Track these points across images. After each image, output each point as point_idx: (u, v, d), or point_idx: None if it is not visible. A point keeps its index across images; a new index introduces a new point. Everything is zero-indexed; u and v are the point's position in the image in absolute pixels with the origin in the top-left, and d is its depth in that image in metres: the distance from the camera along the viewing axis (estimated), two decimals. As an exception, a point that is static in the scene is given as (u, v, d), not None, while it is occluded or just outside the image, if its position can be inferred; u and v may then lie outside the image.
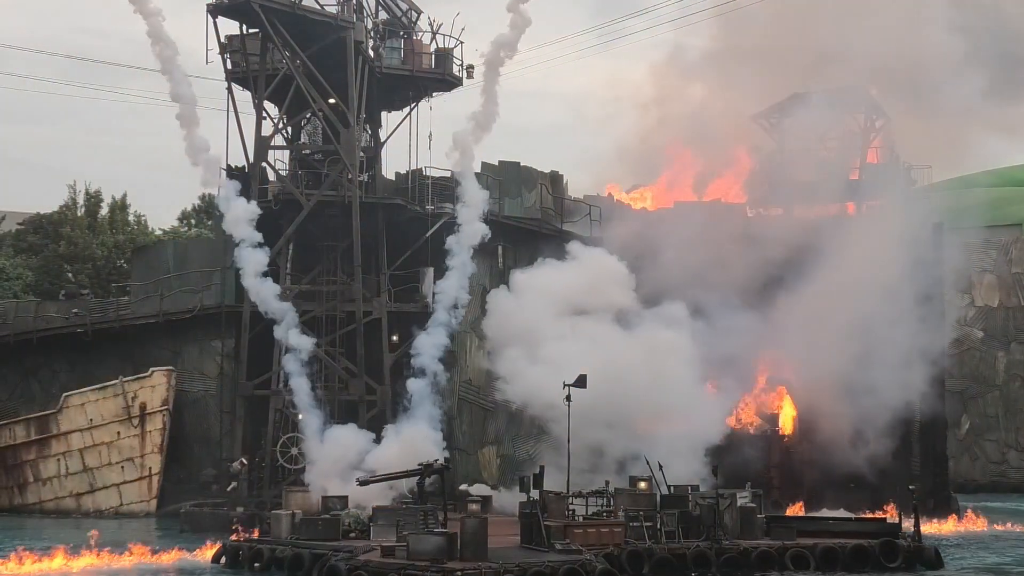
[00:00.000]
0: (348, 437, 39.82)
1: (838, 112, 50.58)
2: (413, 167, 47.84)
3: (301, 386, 41.27)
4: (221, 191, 43.97)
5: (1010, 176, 72.50)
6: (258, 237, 42.12)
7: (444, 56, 47.86)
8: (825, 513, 37.70)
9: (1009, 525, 41.15)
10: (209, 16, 44.83)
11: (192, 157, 43.05)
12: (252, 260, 41.97)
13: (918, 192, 48.13)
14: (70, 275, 62.52)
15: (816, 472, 42.64)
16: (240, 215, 42.35)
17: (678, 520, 30.92)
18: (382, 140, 49.89)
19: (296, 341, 41.53)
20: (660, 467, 32.40)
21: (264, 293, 41.88)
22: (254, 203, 42.80)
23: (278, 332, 42.18)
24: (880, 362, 41.17)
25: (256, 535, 33.67)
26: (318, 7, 45.76)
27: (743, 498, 32.44)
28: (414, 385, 41.91)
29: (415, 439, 38.93)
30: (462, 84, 48.54)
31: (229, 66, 46.27)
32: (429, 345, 42.48)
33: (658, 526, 30.69)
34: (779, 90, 49.01)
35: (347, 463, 37.79)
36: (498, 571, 25.49)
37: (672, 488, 32.48)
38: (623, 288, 42.20)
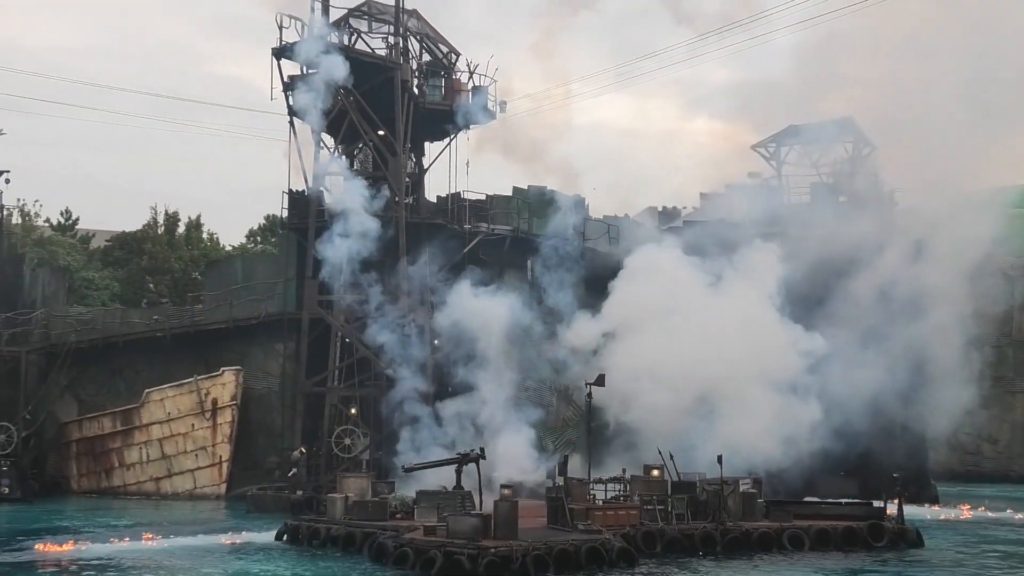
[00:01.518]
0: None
1: (829, 141, 50.48)
2: (452, 191, 47.97)
3: (413, 381, 40.68)
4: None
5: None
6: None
7: (480, 93, 47.98)
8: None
9: (982, 510, 40.86)
10: (273, 59, 45.21)
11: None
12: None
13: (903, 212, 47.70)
14: (151, 286, 62.83)
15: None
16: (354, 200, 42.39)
17: (687, 504, 30.76)
18: (425, 167, 50.06)
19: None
20: (671, 457, 32.25)
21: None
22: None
23: (373, 331, 41.96)
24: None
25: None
26: (369, 51, 46.05)
27: (745, 485, 32.30)
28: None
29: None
30: (496, 118, 48.62)
31: (291, 102, 46.53)
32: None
33: (669, 509, 30.55)
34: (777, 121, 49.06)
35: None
36: (527, 549, 25.41)
37: (682, 475, 32.32)
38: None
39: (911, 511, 33.53)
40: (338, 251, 41.65)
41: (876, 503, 32.15)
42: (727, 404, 37.08)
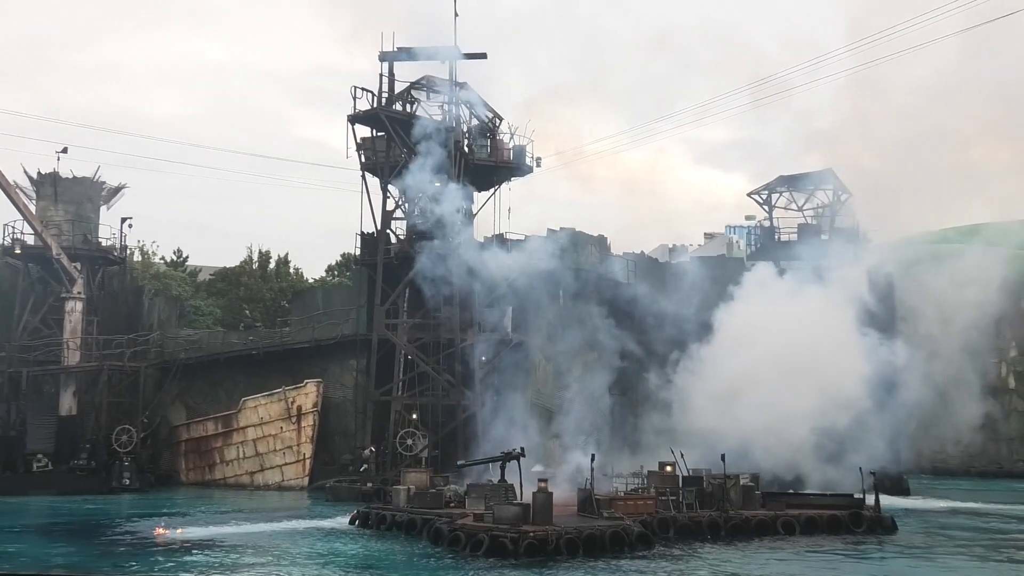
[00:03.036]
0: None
1: (813, 190, 50.03)
2: (496, 232, 48.00)
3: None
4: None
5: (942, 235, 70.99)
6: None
7: (520, 151, 48.03)
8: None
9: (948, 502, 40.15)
10: (349, 124, 45.55)
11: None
12: None
13: (875, 248, 47.14)
14: (247, 312, 63.08)
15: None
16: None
17: (696, 495, 30.49)
18: (474, 212, 50.07)
19: None
20: (682, 455, 31.92)
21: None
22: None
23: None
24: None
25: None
26: (427, 116, 46.25)
27: (744, 479, 31.92)
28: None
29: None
30: (532, 172, 48.66)
31: (363, 159, 46.84)
32: None
33: (680, 500, 30.31)
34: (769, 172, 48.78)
35: None
36: (560, 533, 25.23)
37: (691, 471, 31.98)
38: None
39: (886, 501, 32.96)
40: (442, 264, 40.84)
41: (856, 495, 31.68)
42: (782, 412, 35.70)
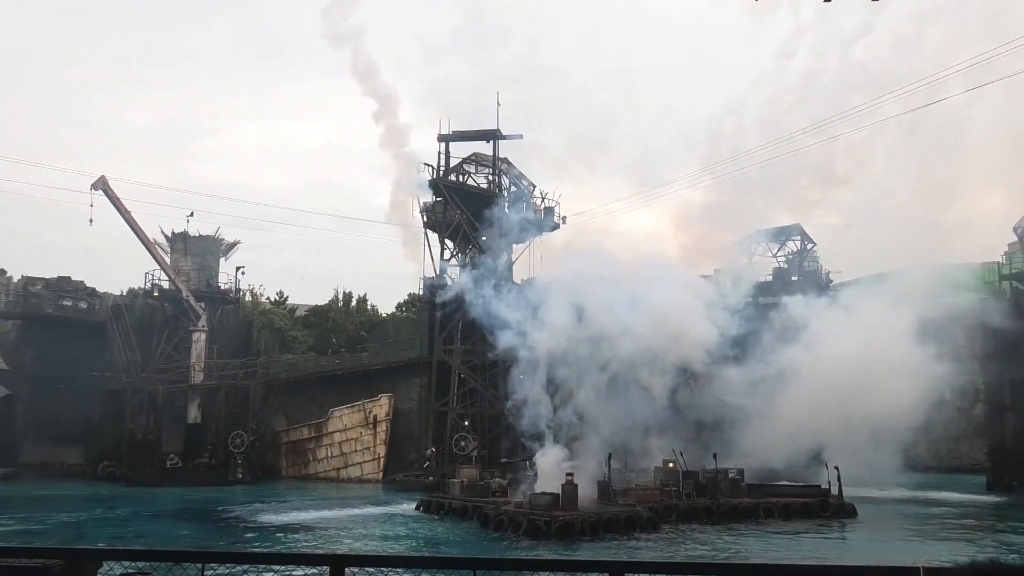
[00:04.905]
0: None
1: (784, 240, 49.75)
2: (530, 276, 48.12)
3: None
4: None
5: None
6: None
7: (549, 212, 48.33)
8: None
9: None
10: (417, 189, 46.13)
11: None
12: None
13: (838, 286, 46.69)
14: (333, 340, 63.64)
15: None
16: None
17: (693, 486, 30.32)
18: (512, 261, 50.31)
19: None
20: (681, 454, 31.73)
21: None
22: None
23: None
24: None
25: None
26: (475, 185, 46.74)
27: (732, 472, 31.66)
28: None
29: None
30: (559, 228, 48.90)
31: (425, 219, 47.28)
32: None
33: (680, 490, 30.16)
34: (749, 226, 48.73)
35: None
36: (584, 517, 25.22)
37: (688, 466, 31.77)
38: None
39: (848, 491, 32.49)
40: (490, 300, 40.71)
41: (823, 486, 31.31)
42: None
